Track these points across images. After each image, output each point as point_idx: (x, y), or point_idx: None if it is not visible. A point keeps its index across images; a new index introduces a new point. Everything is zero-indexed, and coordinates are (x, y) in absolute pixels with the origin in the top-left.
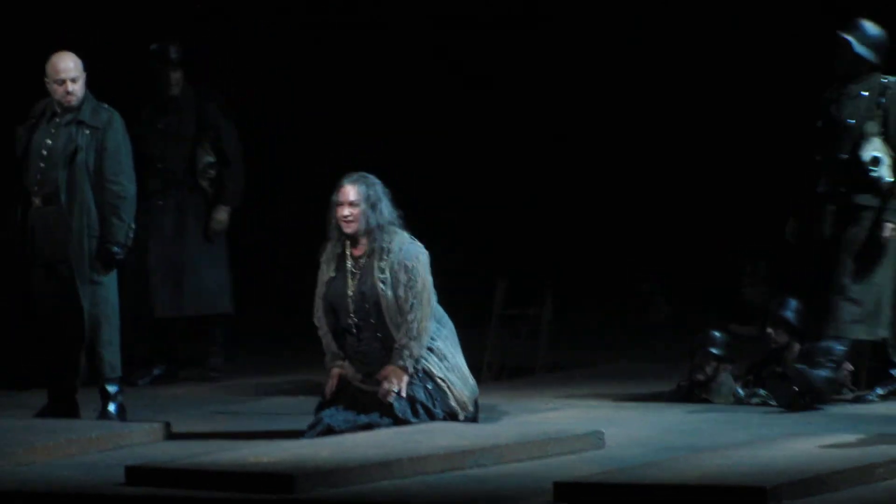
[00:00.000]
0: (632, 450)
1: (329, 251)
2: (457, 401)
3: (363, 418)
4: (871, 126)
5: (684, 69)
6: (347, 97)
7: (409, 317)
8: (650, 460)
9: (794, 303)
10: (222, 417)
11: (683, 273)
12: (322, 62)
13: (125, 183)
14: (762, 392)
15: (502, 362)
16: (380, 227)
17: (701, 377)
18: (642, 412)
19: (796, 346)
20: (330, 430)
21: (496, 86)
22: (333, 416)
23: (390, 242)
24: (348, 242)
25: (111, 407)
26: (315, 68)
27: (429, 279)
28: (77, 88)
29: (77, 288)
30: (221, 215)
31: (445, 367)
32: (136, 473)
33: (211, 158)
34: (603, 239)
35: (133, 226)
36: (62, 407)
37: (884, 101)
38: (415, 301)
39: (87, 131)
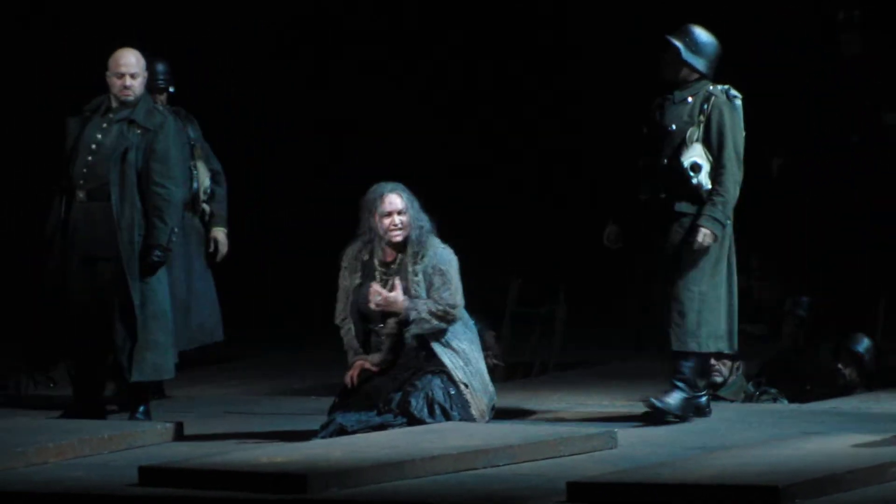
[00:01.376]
0: (644, 449)
1: (351, 257)
2: (476, 408)
3: (376, 419)
4: (693, 132)
5: None
6: (348, 97)
7: (441, 300)
8: (663, 460)
9: (866, 340)
10: (235, 418)
11: None
12: (322, 62)
13: (171, 187)
14: (773, 390)
15: (515, 361)
16: (422, 230)
17: (719, 379)
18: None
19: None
20: (343, 431)
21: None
22: (346, 416)
23: (425, 247)
24: (377, 249)
25: (142, 408)
26: (315, 68)
27: (460, 285)
28: (136, 85)
29: (128, 285)
30: (222, 236)
31: (469, 371)
32: (149, 474)
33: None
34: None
35: (176, 229)
36: (88, 407)
37: (706, 107)
38: (447, 295)
39: (139, 131)
